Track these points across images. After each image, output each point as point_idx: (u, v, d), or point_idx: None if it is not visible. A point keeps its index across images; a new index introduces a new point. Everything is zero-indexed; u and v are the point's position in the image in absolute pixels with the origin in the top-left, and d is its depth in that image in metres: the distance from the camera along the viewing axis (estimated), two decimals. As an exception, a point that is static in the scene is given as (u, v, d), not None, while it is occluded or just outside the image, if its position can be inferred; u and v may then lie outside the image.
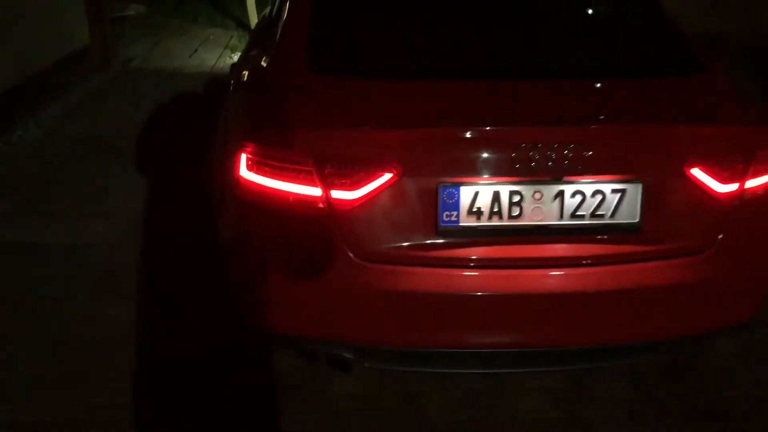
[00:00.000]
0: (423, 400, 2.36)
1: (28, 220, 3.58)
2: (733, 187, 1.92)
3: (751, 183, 1.94)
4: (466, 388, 2.42)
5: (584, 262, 1.93)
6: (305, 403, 2.32)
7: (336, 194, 1.82)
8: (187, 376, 2.44)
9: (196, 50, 7.61)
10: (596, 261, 1.93)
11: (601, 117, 1.89)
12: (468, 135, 1.82)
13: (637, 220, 1.90)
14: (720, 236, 1.96)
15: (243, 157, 1.90)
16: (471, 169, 1.83)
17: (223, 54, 7.33)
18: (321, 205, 1.83)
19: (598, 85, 2.07)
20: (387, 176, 1.80)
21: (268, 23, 3.03)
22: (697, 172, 1.89)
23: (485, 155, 1.82)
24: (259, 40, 3.01)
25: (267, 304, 2.01)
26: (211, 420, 2.24)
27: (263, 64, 2.33)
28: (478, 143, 1.83)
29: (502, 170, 1.83)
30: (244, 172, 1.90)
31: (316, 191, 1.82)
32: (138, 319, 2.74)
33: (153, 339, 2.64)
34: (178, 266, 3.10)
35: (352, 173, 1.80)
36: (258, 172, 1.87)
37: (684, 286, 1.97)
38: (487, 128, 1.82)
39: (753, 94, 2.28)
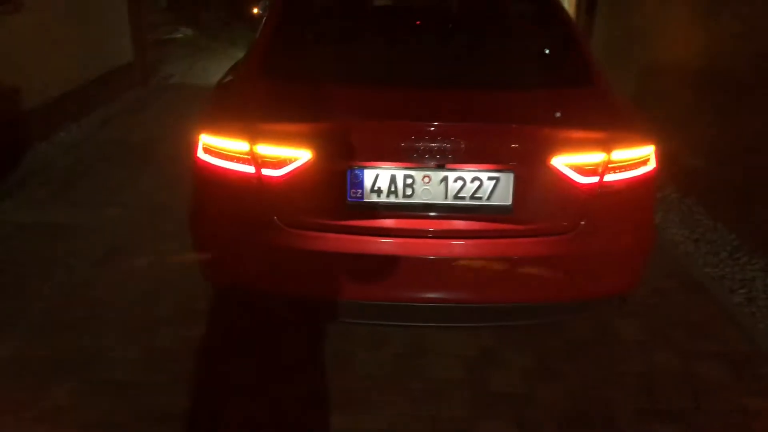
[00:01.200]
0: (353, 357, 2.81)
1: (58, 206, 4.21)
2: (593, 179, 2.32)
3: (609, 177, 2.33)
4: (391, 352, 2.85)
5: (466, 234, 2.35)
6: (258, 354, 2.80)
7: (266, 172, 2.31)
8: (167, 328, 2.95)
9: (230, 69, 8.30)
10: (476, 234, 2.35)
11: (478, 117, 2.33)
12: (369, 128, 2.29)
13: (510, 203, 2.32)
14: (583, 221, 2.35)
15: (200, 143, 2.41)
16: (373, 156, 2.29)
17: (253, 74, 7.99)
18: (254, 181, 2.32)
19: (489, 93, 2.49)
20: (305, 159, 2.28)
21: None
22: (561, 166, 2.30)
23: (384, 145, 2.29)
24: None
25: (216, 260, 2.51)
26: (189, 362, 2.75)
27: (232, 74, 2.87)
28: (377, 135, 2.30)
29: (397, 157, 2.28)
30: (201, 154, 2.41)
31: (250, 169, 2.31)
32: (131, 282, 3.29)
33: (139, 299, 3.17)
34: (171, 246, 3.63)
35: (277, 155, 2.29)
36: (209, 154, 2.38)
37: (553, 259, 2.37)
38: (385, 123, 2.29)
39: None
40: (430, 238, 2.36)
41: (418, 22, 2.97)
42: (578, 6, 6.80)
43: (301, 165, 2.29)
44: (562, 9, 2.93)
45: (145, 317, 3.02)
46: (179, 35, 10.81)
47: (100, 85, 6.36)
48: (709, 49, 4.44)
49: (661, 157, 2.47)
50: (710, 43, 4.41)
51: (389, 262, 2.35)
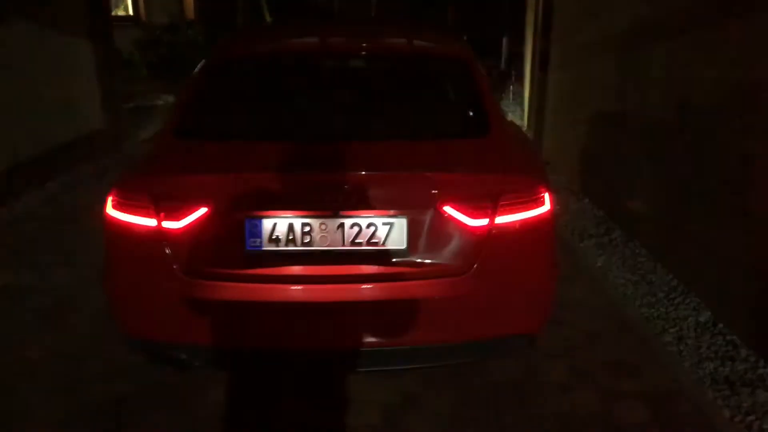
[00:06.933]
0: (277, 403, 2.83)
1: (11, 268, 4.29)
2: (483, 222, 2.40)
3: (500, 219, 2.40)
4: (320, 402, 2.87)
5: (364, 279, 2.40)
6: (179, 406, 2.82)
7: (166, 224, 2.39)
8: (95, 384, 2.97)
9: (203, 134, 8.51)
10: (374, 279, 2.40)
11: (369, 167, 2.41)
12: (266, 179, 2.39)
13: (404, 247, 2.39)
14: (476, 263, 2.41)
15: (109, 199, 2.51)
16: (270, 205, 2.37)
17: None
18: (155, 233, 2.40)
19: (382, 144, 2.59)
20: (203, 210, 2.37)
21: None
22: (450, 210, 2.38)
23: (280, 194, 2.38)
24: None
25: (122, 311, 2.57)
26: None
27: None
28: (274, 185, 2.39)
29: (294, 206, 2.37)
30: (110, 210, 2.50)
31: (152, 222, 2.40)
32: (66, 340, 3.33)
33: (74, 356, 3.20)
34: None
35: (177, 208, 2.38)
36: (117, 209, 2.47)
37: (451, 300, 2.41)
38: (280, 174, 2.39)
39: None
40: (330, 283, 2.41)
41: (321, 80, 3.13)
42: (532, 63, 7.06)
43: (200, 216, 2.38)
44: (471, 66, 3.05)
45: (76, 374, 3.05)
46: (160, 102, 11.09)
47: (68, 151, 6.53)
48: (639, 100, 4.60)
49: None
50: (640, 96, 4.58)
51: (291, 309, 2.41)
